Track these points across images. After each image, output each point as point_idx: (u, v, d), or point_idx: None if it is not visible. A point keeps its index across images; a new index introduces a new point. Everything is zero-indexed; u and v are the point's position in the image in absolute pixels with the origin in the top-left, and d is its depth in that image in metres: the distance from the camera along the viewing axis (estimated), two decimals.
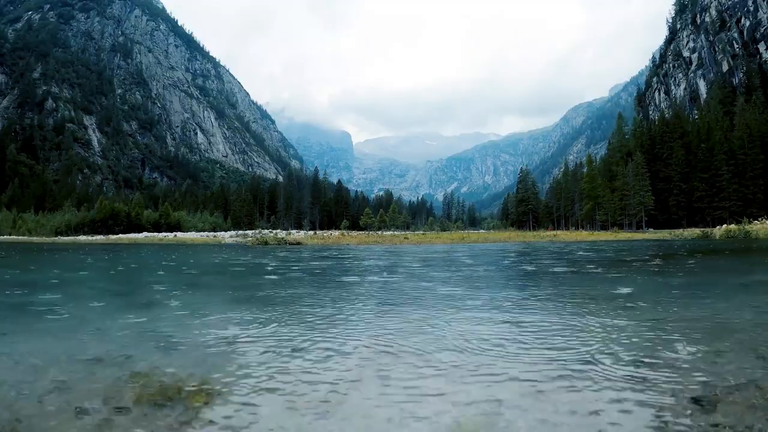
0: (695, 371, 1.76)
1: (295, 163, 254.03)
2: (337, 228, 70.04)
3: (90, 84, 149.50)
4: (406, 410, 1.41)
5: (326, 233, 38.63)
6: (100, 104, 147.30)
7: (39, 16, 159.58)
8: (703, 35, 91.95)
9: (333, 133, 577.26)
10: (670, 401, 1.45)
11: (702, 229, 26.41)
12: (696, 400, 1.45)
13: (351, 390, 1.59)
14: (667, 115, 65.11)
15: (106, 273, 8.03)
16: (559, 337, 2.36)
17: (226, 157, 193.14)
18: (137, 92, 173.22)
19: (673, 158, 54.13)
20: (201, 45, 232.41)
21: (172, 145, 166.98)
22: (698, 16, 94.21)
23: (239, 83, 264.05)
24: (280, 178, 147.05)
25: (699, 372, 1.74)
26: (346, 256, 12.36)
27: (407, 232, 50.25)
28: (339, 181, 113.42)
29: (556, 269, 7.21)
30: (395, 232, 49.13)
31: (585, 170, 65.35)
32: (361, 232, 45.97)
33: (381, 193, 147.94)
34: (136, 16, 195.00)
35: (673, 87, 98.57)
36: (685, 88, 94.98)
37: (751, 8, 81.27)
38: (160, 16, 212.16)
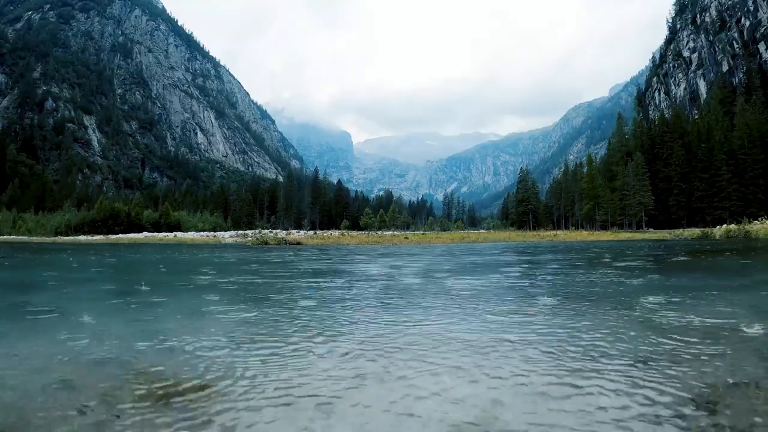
0: (695, 371, 1.75)
1: (295, 163, 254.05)
2: (337, 228, 70.03)
3: (90, 84, 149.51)
4: (405, 410, 1.41)
5: (326, 233, 38.62)
6: (100, 104, 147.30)
7: (39, 16, 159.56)
8: (703, 35, 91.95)
9: (333, 133, 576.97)
10: (670, 401, 1.45)
11: (702, 229, 26.38)
12: (696, 400, 1.45)
13: (351, 390, 1.59)
14: (667, 115, 65.11)
15: (105, 273, 8.03)
16: (559, 337, 2.36)
17: (226, 157, 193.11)
18: (137, 92, 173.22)
19: (673, 158, 54.13)
20: (201, 45, 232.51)
21: (172, 145, 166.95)
22: (698, 16, 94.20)
23: (239, 83, 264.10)
24: (280, 178, 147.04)
25: (699, 372, 1.74)
26: (347, 256, 12.36)
27: (407, 232, 50.24)
28: (339, 181, 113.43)
29: (555, 266, 7.22)
30: (395, 232, 49.11)
31: (585, 170, 65.31)
32: (361, 232, 45.95)
33: (381, 193, 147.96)
34: (136, 16, 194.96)
35: (673, 87, 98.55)
36: (685, 88, 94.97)
37: (751, 8, 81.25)
38: (160, 16, 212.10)
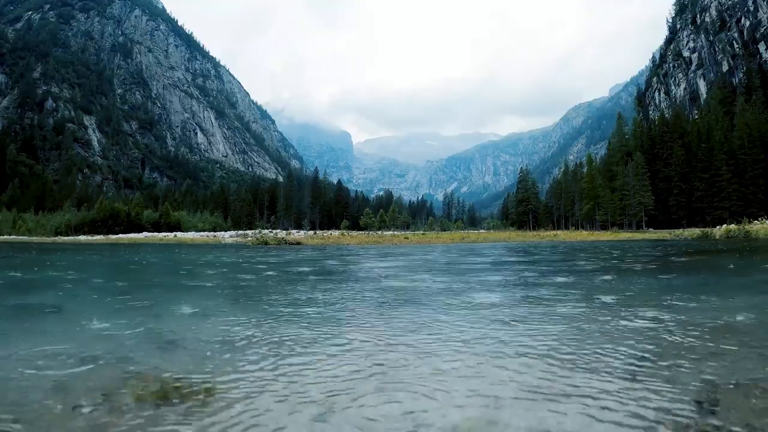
0: (696, 371, 1.76)
1: (295, 163, 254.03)
2: (337, 228, 70.01)
3: (90, 84, 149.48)
4: (406, 411, 1.41)
5: (326, 233, 38.62)
6: (100, 104, 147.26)
7: (39, 16, 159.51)
8: (703, 35, 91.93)
9: (333, 133, 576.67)
10: (671, 401, 1.45)
11: (702, 229, 26.37)
12: (697, 400, 1.45)
13: (351, 390, 1.60)
14: (667, 115, 65.12)
15: (105, 273, 8.04)
16: (560, 337, 2.36)
17: (226, 157, 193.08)
18: (137, 92, 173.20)
19: (673, 158, 54.13)
20: (201, 45, 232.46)
21: (172, 145, 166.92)
22: (698, 16, 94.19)
23: (239, 83, 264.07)
24: (280, 178, 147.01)
25: (700, 372, 1.74)
26: (347, 256, 12.36)
27: (407, 232, 50.24)
28: (339, 181, 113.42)
29: (555, 267, 7.22)
30: (395, 232, 49.11)
31: (585, 170, 65.31)
32: (361, 232, 45.95)
33: (381, 193, 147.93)
34: (136, 16, 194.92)
35: (673, 87, 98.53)
36: (685, 88, 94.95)
37: (751, 8, 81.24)
38: (160, 16, 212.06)
